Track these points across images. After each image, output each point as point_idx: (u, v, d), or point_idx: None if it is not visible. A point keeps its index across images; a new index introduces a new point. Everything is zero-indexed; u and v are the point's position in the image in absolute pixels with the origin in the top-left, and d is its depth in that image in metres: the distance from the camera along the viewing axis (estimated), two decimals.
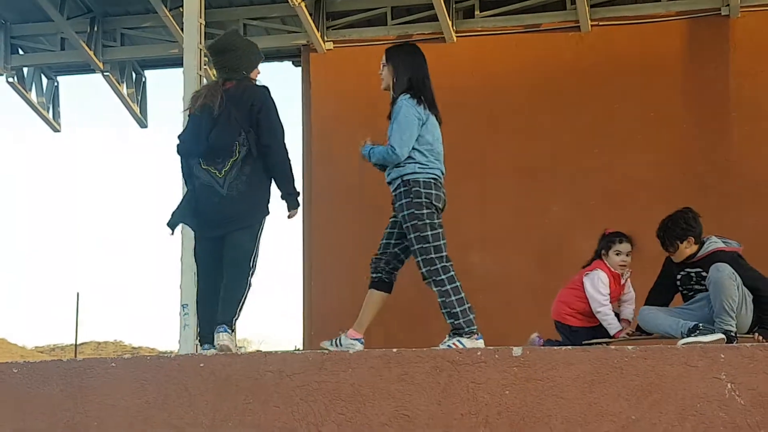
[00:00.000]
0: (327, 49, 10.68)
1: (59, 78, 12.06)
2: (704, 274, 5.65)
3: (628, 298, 6.25)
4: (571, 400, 4.45)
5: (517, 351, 4.58)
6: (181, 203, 5.61)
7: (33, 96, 11.71)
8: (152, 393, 4.72)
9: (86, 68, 11.41)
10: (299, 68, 11.09)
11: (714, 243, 5.81)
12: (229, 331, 5.21)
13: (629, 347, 4.55)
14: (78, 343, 27.34)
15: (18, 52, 11.50)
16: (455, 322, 5.35)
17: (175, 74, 13.19)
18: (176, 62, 11.11)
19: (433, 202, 5.35)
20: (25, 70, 11.63)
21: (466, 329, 5.34)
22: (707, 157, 9.61)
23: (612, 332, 6.04)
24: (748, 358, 4.36)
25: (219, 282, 5.40)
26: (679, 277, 5.94)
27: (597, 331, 6.11)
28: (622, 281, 6.22)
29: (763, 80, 9.61)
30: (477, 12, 10.34)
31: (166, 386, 4.73)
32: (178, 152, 5.64)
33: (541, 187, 9.89)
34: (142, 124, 12.02)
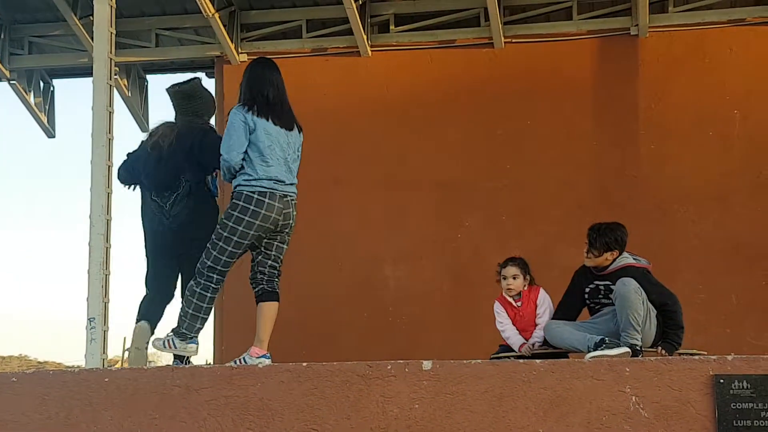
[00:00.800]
0: (241, 61, 10.58)
1: None
2: (612, 287, 5.75)
3: (541, 321, 6.24)
4: (480, 413, 4.47)
5: (427, 365, 4.59)
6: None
7: None
8: (55, 408, 4.61)
9: None
10: (212, 79, 10.99)
11: (625, 258, 5.92)
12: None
13: (537, 361, 4.59)
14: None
15: None
16: (181, 322, 5.66)
17: (86, 84, 12.97)
18: (86, 72, 10.93)
19: (248, 218, 5.49)
20: None
21: (188, 333, 5.63)
22: (617, 174, 9.78)
23: (515, 347, 6.11)
24: (653, 372, 4.44)
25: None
26: (587, 290, 6.03)
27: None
28: (515, 303, 6.30)
29: (671, 99, 9.83)
30: (392, 27, 10.38)
31: (70, 401, 4.63)
32: (120, 179, 6.47)
33: (455, 201, 9.95)
34: (50, 133, 11.76)
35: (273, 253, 5.72)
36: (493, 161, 9.97)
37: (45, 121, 11.59)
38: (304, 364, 4.80)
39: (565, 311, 6.07)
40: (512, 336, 6.17)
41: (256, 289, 5.76)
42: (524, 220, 9.74)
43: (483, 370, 4.50)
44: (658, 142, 9.82)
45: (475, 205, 9.92)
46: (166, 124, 6.38)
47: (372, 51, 10.35)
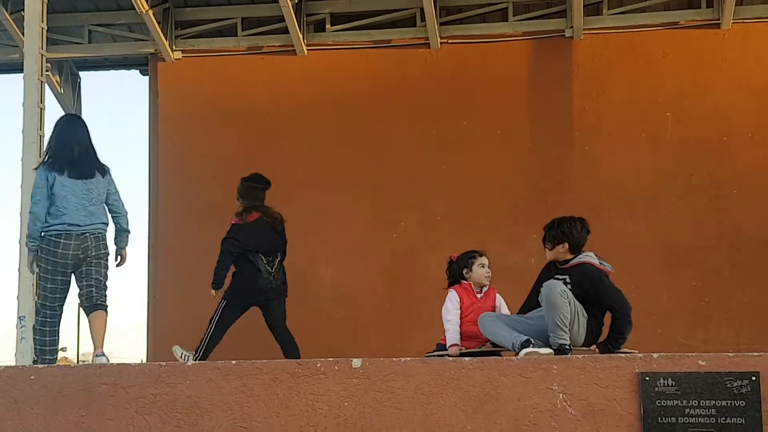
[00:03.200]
0: (175, 59, 10.51)
1: None
2: (569, 281, 5.77)
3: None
4: (409, 411, 4.48)
5: (356, 362, 4.59)
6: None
7: None
8: None
9: None
10: (146, 77, 10.89)
11: (587, 256, 5.92)
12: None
13: (466, 359, 4.61)
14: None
15: None
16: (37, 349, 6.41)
17: (16, 79, 12.77)
18: (17, 68, 10.76)
19: (51, 257, 6.33)
20: None
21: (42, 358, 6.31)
22: (551, 174, 9.88)
23: (450, 340, 6.13)
24: (579, 369, 4.49)
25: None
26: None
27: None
28: (478, 295, 6.29)
29: (604, 101, 9.95)
30: (328, 26, 10.37)
31: None
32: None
33: (391, 201, 9.98)
34: None
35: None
36: (428, 162, 10.01)
37: None
38: (233, 361, 4.78)
39: (530, 301, 6.02)
40: (453, 328, 6.15)
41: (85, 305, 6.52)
42: (459, 221, 9.79)
43: (412, 368, 4.51)
44: (591, 144, 9.94)
45: (410, 206, 9.95)
46: (258, 208, 7.68)
47: (308, 50, 10.33)
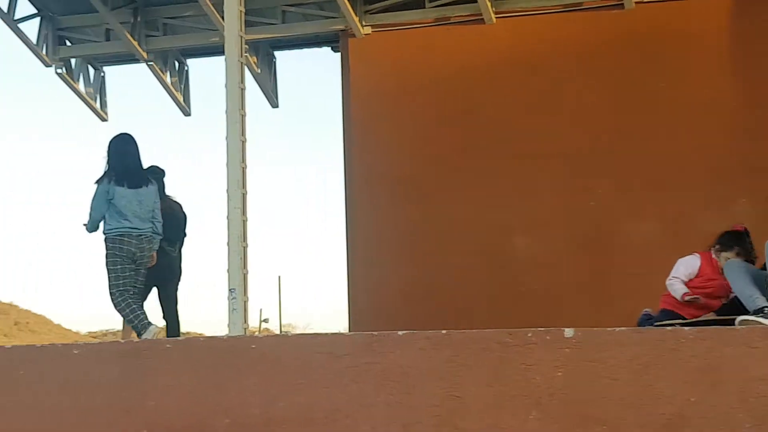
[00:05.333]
0: (365, 34, 10.65)
1: (105, 68, 12.16)
2: None
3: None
4: (625, 381, 4.41)
5: (569, 332, 4.55)
6: None
7: (81, 86, 11.83)
8: (205, 374, 4.76)
9: (131, 58, 11.48)
10: (338, 54, 11.09)
11: None
12: None
13: (686, 329, 4.50)
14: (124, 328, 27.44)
15: (65, 44, 11.62)
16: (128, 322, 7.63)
17: (217, 62, 13.23)
18: (217, 51, 11.17)
19: (115, 252, 7.54)
20: (73, 61, 11.74)
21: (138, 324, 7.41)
22: (754, 137, 9.46)
23: (678, 295, 5.98)
24: None
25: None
26: None
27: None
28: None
29: None
30: None
31: (219, 367, 4.78)
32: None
33: (586, 168, 9.80)
34: (186, 112, 12.09)
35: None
36: (624, 126, 9.77)
37: (181, 100, 11.91)
38: (443, 331, 4.83)
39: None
40: (676, 285, 6.03)
41: None
42: (657, 187, 9.52)
43: (627, 338, 4.44)
44: None
45: (606, 172, 9.75)
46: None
47: (496, 18, 10.24)
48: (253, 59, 11.38)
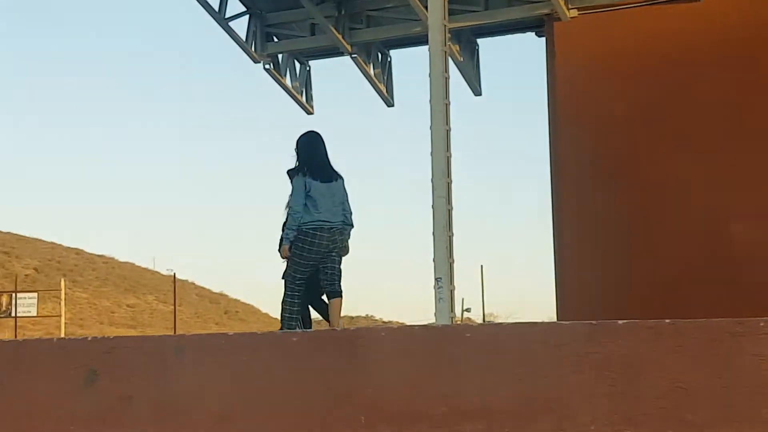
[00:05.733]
0: (571, 17, 10.42)
1: (311, 62, 12.46)
2: None
3: None
4: None
5: None
6: None
7: (288, 81, 12.17)
8: (421, 362, 4.73)
9: (335, 51, 11.72)
10: (542, 38, 10.91)
11: None
12: None
13: None
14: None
15: (273, 40, 11.98)
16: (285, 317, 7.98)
17: (419, 52, 13.31)
18: (419, 41, 11.21)
19: (306, 245, 7.86)
20: (280, 56, 12.09)
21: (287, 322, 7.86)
22: None
23: None
24: None
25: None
26: None
27: None
28: None
29: None
30: None
31: (435, 355, 4.74)
32: None
33: None
34: (389, 103, 12.21)
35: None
36: None
37: (384, 91, 12.04)
38: (667, 320, 4.62)
39: None
40: None
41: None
42: None
43: None
44: None
45: None
46: None
47: None
48: (455, 47, 11.36)
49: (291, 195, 8.09)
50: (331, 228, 7.94)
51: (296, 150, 8.14)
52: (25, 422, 5.00)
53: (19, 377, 5.06)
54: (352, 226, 8.15)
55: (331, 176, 8.08)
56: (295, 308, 7.95)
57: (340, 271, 8.08)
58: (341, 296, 8.03)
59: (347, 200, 8.14)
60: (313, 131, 8.26)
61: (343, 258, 8.22)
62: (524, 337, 4.78)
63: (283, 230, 8.20)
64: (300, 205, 7.87)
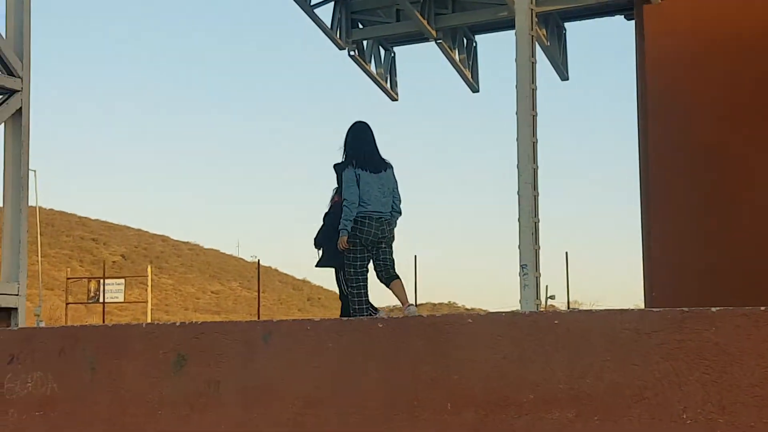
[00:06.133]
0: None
1: (395, 48, 12.43)
2: None
3: None
4: None
5: None
6: None
7: (372, 67, 12.16)
8: (508, 349, 4.69)
9: (420, 37, 11.66)
10: (632, 21, 10.71)
11: None
12: None
13: None
14: (415, 304, 28.40)
15: (358, 26, 11.98)
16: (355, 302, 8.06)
17: (504, 37, 13.20)
18: (505, 25, 11.10)
19: (357, 234, 7.94)
20: (365, 43, 12.08)
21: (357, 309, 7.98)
22: None
23: None
24: None
25: None
26: None
27: None
28: None
29: None
30: None
31: (522, 342, 4.69)
32: None
33: None
34: (474, 89, 12.12)
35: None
36: None
37: (469, 77, 11.96)
38: (762, 308, 4.49)
39: None
40: None
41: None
42: None
43: None
44: None
45: None
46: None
47: None
48: (542, 32, 11.21)
49: (340, 188, 8.20)
50: (380, 218, 8.02)
51: (344, 142, 8.17)
52: (116, 406, 5.09)
53: (110, 361, 5.15)
54: (400, 213, 8.20)
55: (381, 166, 8.10)
56: (363, 297, 8.05)
57: (392, 260, 8.18)
58: (399, 278, 8.14)
59: (397, 188, 8.18)
60: (361, 122, 8.25)
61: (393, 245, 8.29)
62: (614, 324, 4.69)
63: (323, 221, 8.42)
64: (354, 195, 7.93)
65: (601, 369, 4.61)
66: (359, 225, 7.95)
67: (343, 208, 7.97)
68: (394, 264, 8.18)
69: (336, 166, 8.34)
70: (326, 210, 8.48)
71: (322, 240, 8.41)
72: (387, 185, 8.09)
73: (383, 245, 8.08)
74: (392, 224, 8.14)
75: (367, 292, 8.08)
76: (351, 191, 7.93)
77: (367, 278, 8.10)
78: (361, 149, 8.08)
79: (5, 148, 8.42)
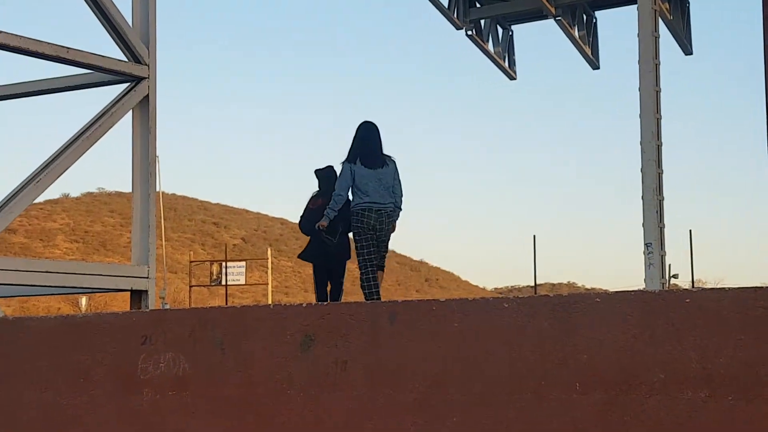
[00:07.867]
0: None
1: (513, 27, 12.31)
2: None
3: None
4: None
5: None
6: None
7: (489, 47, 12.07)
8: (637, 328, 4.61)
9: (538, 15, 11.53)
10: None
11: None
12: None
13: None
14: (535, 284, 28.21)
15: (475, 6, 11.90)
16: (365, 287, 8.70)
17: (625, 12, 12.92)
18: (626, 0, 10.87)
19: (358, 225, 8.58)
20: (482, 22, 12.01)
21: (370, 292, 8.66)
22: None
23: None
24: None
25: None
26: None
27: None
28: None
29: None
30: None
31: (652, 321, 4.60)
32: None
33: None
34: (594, 65, 11.92)
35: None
36: None
37: (589, 53, 11.77)
38: None
39: None
40: None
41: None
42: None
43: None
44: None
45: None
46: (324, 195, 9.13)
47: None
48: (665, 6, 10.94)
49: (320, 190, 9.10)
50: (380, 210, 8.63)
51: (352, 139, 8.77)
52: (246, 386, 5.19)
53: (238, 342, 5.25)
54: (400, 209, 8.80)
55: (378, 162, 8.68)
56: (372, 282, 8.64)
57: (385, 253, 8.87)
58: (383, 270, 8.86)
59: (398, 185, 8.75)
60: (367, 122, 8.84)
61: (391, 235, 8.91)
62: (747, 302, 4.56)
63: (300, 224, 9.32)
64: (342, 188, 8.68)
65: (735, 348, 4.49)
66: (360, 216, 8.61)
67: (332, 198, 8.69)
68: (384, 257, 8.87)
69: (317, 172, 9.16)
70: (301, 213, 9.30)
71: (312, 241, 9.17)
72: (385, 180, 8.67)
73: (383, 236, 8.71)
74: (392, 217, 8.72)
75: (375, 278, 8.72)
76: (341, 184, 8.68)
77: (375, 267, 8.74)
78: (361, 147, 8.71)
79: (133, 135, 8.66)
